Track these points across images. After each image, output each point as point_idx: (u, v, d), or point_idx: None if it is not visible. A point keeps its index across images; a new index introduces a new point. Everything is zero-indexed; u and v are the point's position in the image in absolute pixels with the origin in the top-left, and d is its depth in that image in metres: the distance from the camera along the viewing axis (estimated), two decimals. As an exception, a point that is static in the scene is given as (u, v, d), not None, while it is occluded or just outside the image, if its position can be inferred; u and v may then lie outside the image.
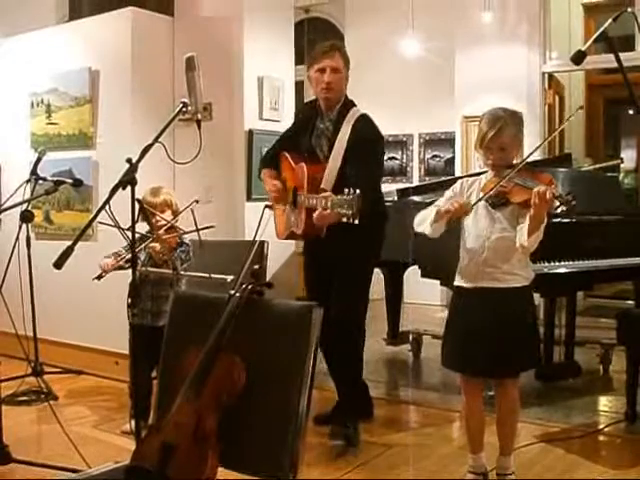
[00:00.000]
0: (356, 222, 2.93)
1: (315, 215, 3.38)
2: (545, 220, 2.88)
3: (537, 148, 3.17)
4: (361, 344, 3.99)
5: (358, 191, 2.92)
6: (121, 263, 3.82)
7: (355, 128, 3.76)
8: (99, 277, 3.85)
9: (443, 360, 3.31)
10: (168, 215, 3.97)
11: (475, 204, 3.04)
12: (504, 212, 3.04)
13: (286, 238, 4.03)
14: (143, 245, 3.79)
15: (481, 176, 3.20)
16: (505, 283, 3.07)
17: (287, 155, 3.95)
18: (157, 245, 3.80)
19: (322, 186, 3.68)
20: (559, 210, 2.87)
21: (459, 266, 3.20)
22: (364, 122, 3.81)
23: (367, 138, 3.75)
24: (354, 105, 3.89)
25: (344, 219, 2.96)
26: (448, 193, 3.24)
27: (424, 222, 3.15)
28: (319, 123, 3.90)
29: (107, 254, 3.95)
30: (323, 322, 3.76)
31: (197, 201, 3.85)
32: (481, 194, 3.07)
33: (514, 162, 3.10)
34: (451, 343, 3.26)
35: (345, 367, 3.97)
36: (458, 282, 3.21)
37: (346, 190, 2.97)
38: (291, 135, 4.13)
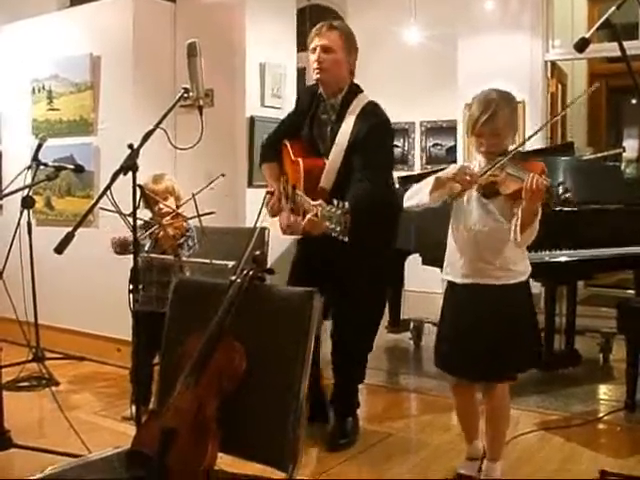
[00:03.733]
0: (345, 239, 2.64)
1: (305, 221, 3.15)
2: (539, 212, 2.71)
3: (539, 130, 2.96)
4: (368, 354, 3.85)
5: (347, 205, 2.66)
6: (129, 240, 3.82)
7: (359, 119, 3.50)
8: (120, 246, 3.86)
9: (436, 360, 3.14)
10: (171, 202, 3.96)
11: (481, 177, 2.79)
12: (496, 203, 2.85)
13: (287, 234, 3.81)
14: (147, 233, 3.78)
15: (475, 162, 3.00)
16: (501, 280, 2.89)
17: (288, 145, 3.69)
18: (170, 230, 3.79)
19: (321, 184, 3.49)
20: (549, 203, 2.68)
21: (448, 259, 3.02)
22: (369, 111, 3.54)
23: (372, 128, 3.46)
24: (360, 91, 3.64)
25: (332, 234, 2.68)
26: (441, 174, 2.99)
27: (418, 193, 2.94)
28: (320, 112, 3.66)
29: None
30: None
31: (223, 175, 3.77)
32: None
33: (509, 148, 2.90)
34: (445, 343, 3.08)
35: (350, 371, 3.80)
36: (449, 277, 3.03)
37: (335, 202, 2.70)
38: (292, 121, 3.87)
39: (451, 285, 3.04)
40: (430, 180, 2.90)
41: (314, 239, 3.41)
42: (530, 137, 2.98)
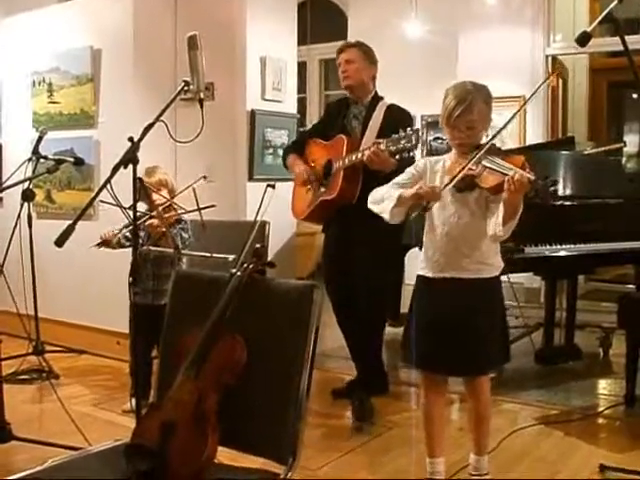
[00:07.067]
0: (416, 152, 3.61)
1: (367, 153, 3.78)
2: (521, 206, 2.63)
3: (502, 129, 2.87)
4: (382, 325, 4.48)
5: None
6: (120, 235, 3.84)
7: (387, 111, 4.18)
8: (99, 244, 3.88)
9: (414, 358, 2.99)
10: (165, 195, 3.97)
11: (444, 188, 2.74)
12: (471, 196, 2.80)
13: (305, 219, 4.42)
14: (140, 222, 3.78)
15: (444, 156, 2.95)
16: (476, 273, 2.84)
17: (318, 140, 4.34)
18: (154, 220, 3.81)
19: None
20: (535, 197, 2.61)
21: (424, 254, 2.94)
22: (394, 107, 4.23)
23: (400, 117, 4.15)
24: (382, 98, 4.29)
25: (402, 155, 3.54)
26: (410, 170, 2.96)
27: (381, 203, 2.90)
28: (353, 108, 4.30)
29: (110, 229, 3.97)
30: (342, 300, 4.33)
31: (205, 177, 3.93)
32: (447, 177, 2.80)
33: (482, 142, 2.84)
34: (422, 339, 2.93)
35: (365, 345, 4.36)
36: (423, 272, 2.95)
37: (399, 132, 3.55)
38: (321, 126, 4.53)
39: (426, 280, 2.94)
40: (393, 194, 2.85)
41: (337, 222, 4.25)
42: (499, 132, 2.83)
